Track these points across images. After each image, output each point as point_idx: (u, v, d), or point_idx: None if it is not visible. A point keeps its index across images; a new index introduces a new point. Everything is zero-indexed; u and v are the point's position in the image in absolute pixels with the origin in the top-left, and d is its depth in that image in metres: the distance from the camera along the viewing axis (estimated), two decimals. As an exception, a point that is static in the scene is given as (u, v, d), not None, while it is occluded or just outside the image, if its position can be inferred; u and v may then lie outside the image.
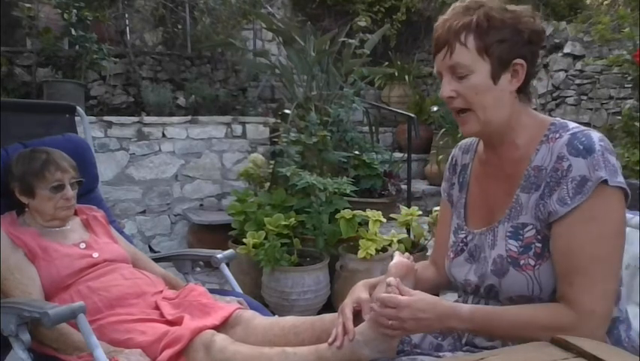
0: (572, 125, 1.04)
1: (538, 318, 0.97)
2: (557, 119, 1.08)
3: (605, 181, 0.94)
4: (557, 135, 1.02)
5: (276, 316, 1.60)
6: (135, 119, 3.93)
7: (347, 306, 1.17)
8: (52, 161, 1.70)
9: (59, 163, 1.70)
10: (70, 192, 1.70)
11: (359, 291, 1.20)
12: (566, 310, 0.96)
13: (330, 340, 1.16)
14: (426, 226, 3.13)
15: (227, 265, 1.96)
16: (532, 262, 1.02)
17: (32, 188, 1.67)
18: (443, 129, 4.99)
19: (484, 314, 1.01)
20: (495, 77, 1.02)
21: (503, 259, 1.04)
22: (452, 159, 1.29)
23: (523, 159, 1.06)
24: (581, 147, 0.97)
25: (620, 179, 0.96)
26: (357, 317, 1.17)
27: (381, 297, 1.04)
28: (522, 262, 1.02)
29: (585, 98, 4.78)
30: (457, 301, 1.24)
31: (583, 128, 1.02)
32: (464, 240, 1.17)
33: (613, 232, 0.97)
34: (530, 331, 0.95)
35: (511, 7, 1.04)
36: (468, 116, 1.05)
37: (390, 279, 1.07)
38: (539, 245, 1.02)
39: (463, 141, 1.29)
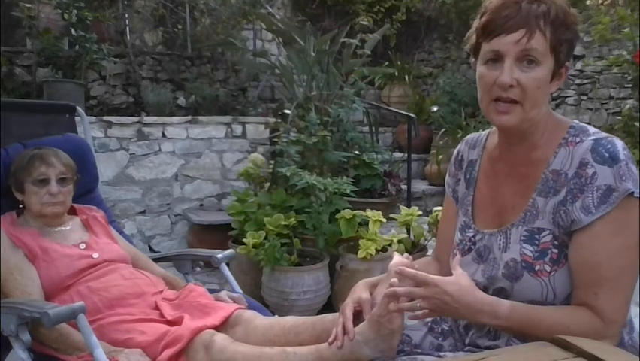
0: (592, 129, 1.02)
1: (575, 324, 0.95)
2: (576, 121, 1.06)
3: (632, 193, 0.93)
4: (578, 139, 1.00)
5: (276, 316, 1.60)
6: (135, 119, 3.92)
7: (347, 306, 1.17)
8: (38, 156, 1.70)
9: (45, 158, 1.69)
10: (55, 187, 1.67)
11: (359, 291, 1.19)
12: (596, 318, 0.95)
13: (330, 339, 1.16)
14: (426, 226, 3.12)
15: (227, 265, 1.96)
16: (547, 268, 1.00)
17: (22, 183, 1.68)
18: (443, 129, 5.00)
19: (524, 314, 0.98)
20: (553, 76, 1.00)
21: (517, 264, 1.03)
22: (458, 153, 1.26)
23: (540, 160, 1.04)
24: (607, 155, 0.95)
25: None
26: (358, 316, 1.17)
27: (407, 271, 0.99)
28: (537, 267, 1.00)
29: (585, 98, 4.78)
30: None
31: (605, 134, 1.00)
32: (472, 239, 1.15)
33: (637, 242, 0.96)
34: (563, 335, 0.93)
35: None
36: (513, 107, 0.98)
37: (394, 280, 1.06)
38: (556, 251, 1.00)
39: (470, 136, 1.26)
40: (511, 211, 1.08)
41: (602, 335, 0.94)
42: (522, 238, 1.04)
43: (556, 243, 1.00)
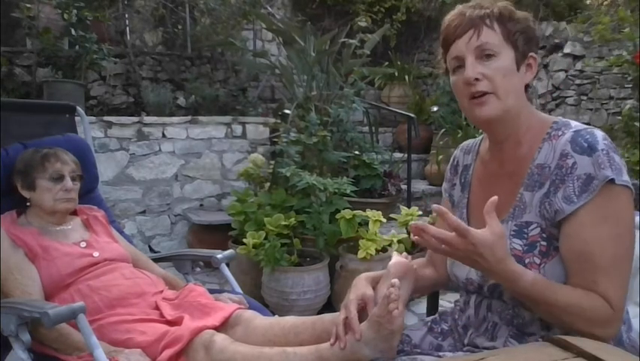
0: (574, 123, 1.04)
1: (588, 307, 0.95)
2: (560, 117, 1.09)
3: (612, 180, 0.94)
4: (560, 133, 1.03)
5: (276, 316, 1.59)
6: (135, 119, 3.93)
7: (352, 303, 1.13)
8: (52, 153, 1.73)
9: (60, 156, 1.74)
10: (70, 183, 1.71)
11: (363, 287, 1.16)
12: (607, 305, 0.95)
13: (332, 341, 1.15)
14: (426, 226, 3.12)
15: (227, 265, 1.96)
16: (537, 261, 1.01)
17: (33, 180, 1.68)
18: (443, 129, 4.99)
19: (543, 287, 0.98)
20: (518, 65, 1.05)
21: None
22: (454, 159, 1.29)
23: (526, 156, 1.07)
24: (586, 145, 0.97)
25: (626, 178, 0.96)
26: (362, 313, 1.16)
27: (455, 221, 0.95)
28: (527, 260, 1.02)
29: (585, 98, 4.78)
30: (458, 300, 1.24)
31: (586, 126, 1.02)
32: None
33: (627, 230, 0.97)
34: (576, 318, 0.95)
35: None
36: (488, 97, 1.03)
37: (395, 280, 1.06)
38: (544, 243, 1.01)
39: (465, 142, 1.30)
40: (502, 208, 1.09)
41: (611, 320, 0.95)
42: (512, 232, 1.05)
43: (544, 235, 1.01)
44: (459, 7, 1.08)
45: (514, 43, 1.04)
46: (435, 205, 1.00)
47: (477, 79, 1.02)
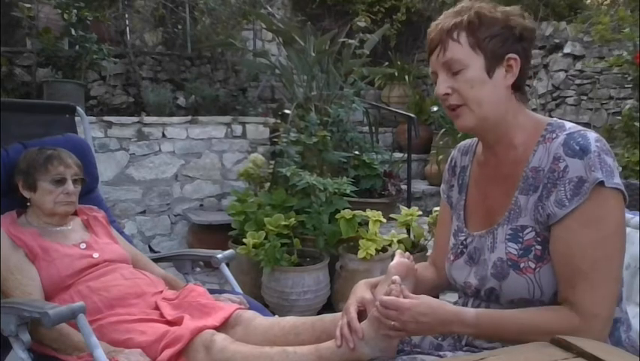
0: (568, 125, 1.04)
1: (544, 322, 0.96)
2: (554, 119, 1.08)
3: (602, 182, 0.94)
4: (554, 135, 1.02)
5: (276, 316, 1.59)
6: (135, 119, 3.93)
7: (352, 306, 1.17)
8: (56, 156, 1.73)
9: (63, 158, 1.73)
10: (72, 187, 1.71)
11: (362, 291, 1.19)
12: (570, 314, 0.95)
13: (337, 343, 1.15)
14: (426, 226, 3.13)
15: (228, 265, 1.96)
16: (532, 265, 1.01)
17: (35, 181, 1.68)
18: (443, 129, 4.99)
19: (490, 319, 1.00)
20: (489, 71, 1.03)
21: (503, 262, 1.04)
22: (451, 160, 1.29)
23: (520, 159, 1.06)
24: (577, 148, 0.97)
25: (617, 180, 0.96)
26: (361, 316, 1.16)
27: (382, 299, 1.03)
28: (522, 265, 1.02)
29: (585, 98, 4.79)
30: (457, 302, 1.24)
31: (580, 128, 1.02)
32: (464, 242, 1.16)
33: (613, 234, 0.96)
34: (535, 335, 0.94)
35: (501, 7, 1.06)
36: (461, 109, 1.05)
37: (395, 277, 1.07)
38: (539, 247, 1.01)
39: (462, 143, 1.29)
40: (498, 212, 1.09)
41: (579, 330, 0.93)
42: (507, 236, 1.05)
43: (538, 239, 1.01)
44: (441, 16, 1.09)
45: (484, 49, 1.02)
46: (394, 276, 1.08)
47: (447, 94, 1.05)
